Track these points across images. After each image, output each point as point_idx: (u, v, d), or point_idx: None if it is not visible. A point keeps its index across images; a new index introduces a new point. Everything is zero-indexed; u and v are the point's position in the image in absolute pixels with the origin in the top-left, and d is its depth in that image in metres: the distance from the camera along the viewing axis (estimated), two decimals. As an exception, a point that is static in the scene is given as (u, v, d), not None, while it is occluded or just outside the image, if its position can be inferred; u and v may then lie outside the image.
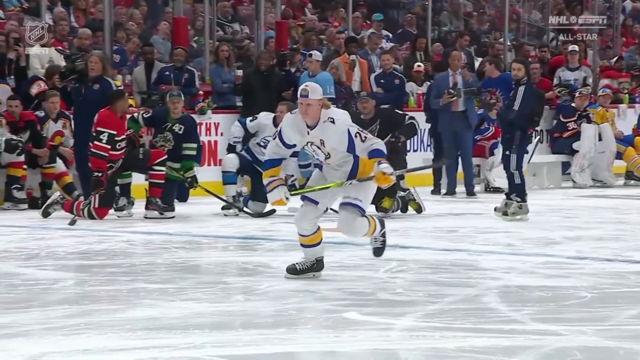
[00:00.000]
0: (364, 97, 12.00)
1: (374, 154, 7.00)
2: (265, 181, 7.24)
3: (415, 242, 9.68)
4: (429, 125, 14.55)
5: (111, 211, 11.28)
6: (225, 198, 11.81)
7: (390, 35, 18.40)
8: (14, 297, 6.82)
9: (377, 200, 11.48)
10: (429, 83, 15.22)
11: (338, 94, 14.15)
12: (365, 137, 7.04)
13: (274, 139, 7.18)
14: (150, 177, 11.42)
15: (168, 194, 11.52)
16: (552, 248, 9.36)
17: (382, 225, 7.49)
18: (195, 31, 16.23)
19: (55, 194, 11.59)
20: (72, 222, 10.54)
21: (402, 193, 11.72)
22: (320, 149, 7.07)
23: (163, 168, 11.39)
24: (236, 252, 9.24)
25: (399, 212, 11.66)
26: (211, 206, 11.88)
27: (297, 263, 7.33)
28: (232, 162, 11.80)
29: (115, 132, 11.07)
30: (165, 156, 11.44)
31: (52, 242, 9.50)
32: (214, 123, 13.98)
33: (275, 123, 11.72)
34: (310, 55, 14.26)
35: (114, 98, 11.22)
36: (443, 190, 14.07)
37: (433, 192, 13.98)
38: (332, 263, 8.23)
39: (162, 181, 11.40)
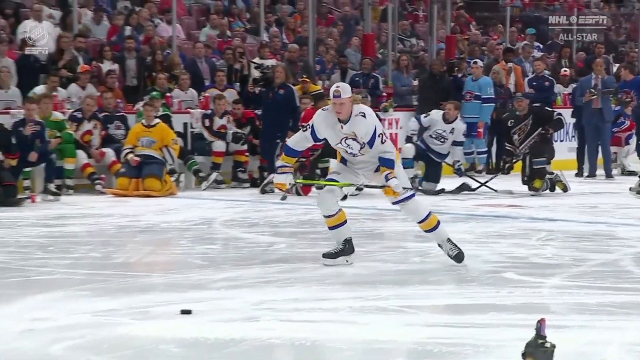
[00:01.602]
0: (519, 97, 11.84)
1: (385, 163, 6.28)
2: (278, 163, 6.66)
3: (562, 215, 9.45)
4: (573, 120, 14.22)
5: (313, 189, 11.40)
6: (404, 179, 11.77)
7: (541, 45, 18.00)
8: (240, 256, 6.98)
9: (529, 181, 11.30)
10: (573, 85, 14.84)
11: (497, 95, 13.94)
12: (385, 140, 6.32)
13: (304, 130, 6.40)
14: (341, 163, 11.46)
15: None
16: (681, 221, 9.03)
17: (449, 238, 6.53)
18: (380, 45, 16.23)
19: (271, 175, 11.76)
20: (284, 198, 10.59)
21: (551, 175, 11.48)
22: (356, 140, 6.29)
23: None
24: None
25: (547, 191, 11.39)
26: (393, 186, 11.85)
27: (332, 249, 6.50)
28: (409, 150, 11.75)
29: (317, 127, 11.17)
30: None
31: (268, 213, 9.65)
32: (395, 119, 13.96)
33: (445, 119, 11.63)
34: (475, 62, 14.09)
35: (316, 99, 11.34)
36: (585, 173, 13.69)
37: (577, 175, 13.61)
38: (492, 233, 8.15)
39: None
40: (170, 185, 11.27)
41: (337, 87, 6.29)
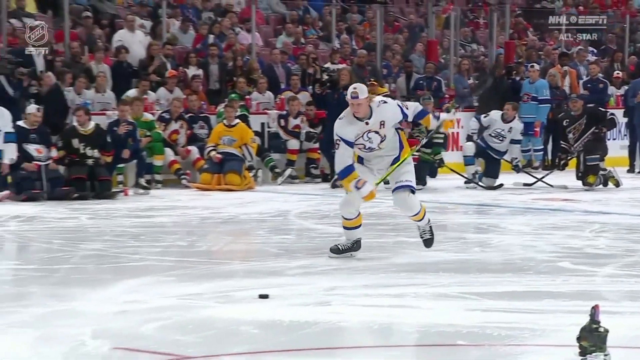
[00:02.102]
0: (574, 98, 11.68)
1: (422, 114, 6.35)
2: (352, 183, 6.11)
3: (614, 209, 9.27)
4: (625, 119, 13.93)
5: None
6: (465, 175, 11.69)
7: (595, 50, 17.66)
8: (312, 246, 6.99)
9: (584, 177, 11.11)
10: (626, 87, 14.54)
11: (553, 96, 13.73)
12: (407, 106, 6.32)
13: (338, 147, 6.08)
14: (403, 159, 11.35)
15: (419, 172, 11.37)
16: None
17: (428, 220, 6.47)
18: (443, 50, 16.09)
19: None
20: (353, 192, 10.62)
21: (604, 171, 11.28)
22: (378, 133, 6.08)
23: (416, 153, 11.30)
24: (473, 215, 9.13)
25: (601, 186, 11.19)
26: (454, 181, 11.76)
27: (339, 244, 6.38)
28: (470, 148, 11.66)
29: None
30: (419, 144, 11.34)
31: (338, 206, 9.62)
32: (457, 119, 13.82)
33: (503, 119, 11.51)
34: (532, 66, 13.91)
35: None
36: (637, 169, 13.41)
37: (628, 171, 13.32)
38: (548, 225, 8.03)
39: (414, 163, 11.26)
40: (249, 180, 11.36)
41: (355, 88, 6.09)
